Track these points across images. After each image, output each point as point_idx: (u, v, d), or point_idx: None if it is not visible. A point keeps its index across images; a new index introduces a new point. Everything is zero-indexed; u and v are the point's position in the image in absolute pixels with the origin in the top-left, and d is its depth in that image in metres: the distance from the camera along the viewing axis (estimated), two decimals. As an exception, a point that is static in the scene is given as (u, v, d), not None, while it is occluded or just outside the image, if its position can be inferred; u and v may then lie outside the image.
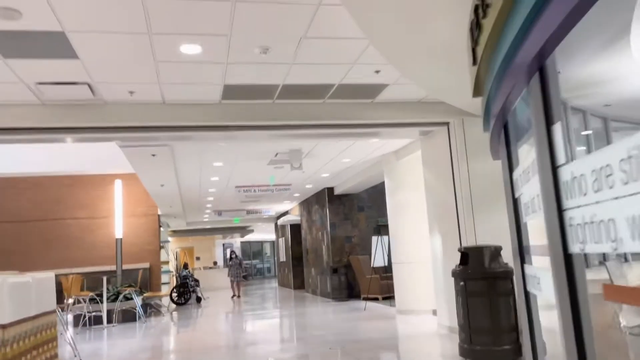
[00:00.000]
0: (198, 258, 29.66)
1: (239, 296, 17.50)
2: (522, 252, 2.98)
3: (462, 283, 5.52)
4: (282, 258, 22.02)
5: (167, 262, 17.95)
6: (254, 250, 35.81)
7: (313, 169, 11.45)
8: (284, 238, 21.59)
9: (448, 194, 7.20)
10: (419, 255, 9.72)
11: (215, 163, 10.05)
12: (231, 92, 6.08)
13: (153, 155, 8.01)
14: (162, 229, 20.62)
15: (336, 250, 14.37)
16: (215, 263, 26.93)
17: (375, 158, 10.70)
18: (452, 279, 7.10)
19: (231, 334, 9.22)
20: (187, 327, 10.82)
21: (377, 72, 5.67)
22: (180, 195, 13.87)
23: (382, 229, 13.13)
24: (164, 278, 17.50)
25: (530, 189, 2.36)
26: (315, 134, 7.11)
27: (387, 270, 13.01)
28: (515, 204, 3.06)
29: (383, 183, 14.73)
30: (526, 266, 2.92)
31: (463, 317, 5.51)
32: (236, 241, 31.89)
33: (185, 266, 22.35)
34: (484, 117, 3.18)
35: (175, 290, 16.80)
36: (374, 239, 11.56)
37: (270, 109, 6.64)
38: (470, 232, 6.72)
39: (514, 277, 5.54)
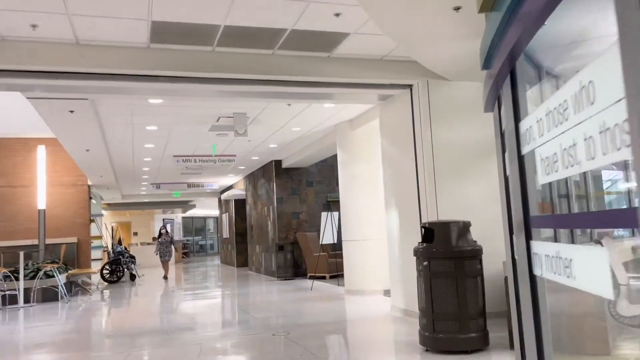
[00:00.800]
0: (136, 233, 28.14)
1: (166, 278, 15.86)
2: (529, 226, 2.26)
3: (425, 263, 4.86)
4: (226, 234, 21.05)
5: (98, 237, 16.60)
6: (196, 227, 34.51)
7: (260, 137, 10.53)
8: (227, 214, 20.59)
9: (408, 165, 6.52)
10: (371, 232, 9.08)
11: (149, 127, 8.95)
12: (162, 33, 5.07)
13: (71, 111, 6.87)
14: (93, 201, 19.14)
15: (282, 227, 13.59)
16: (154, 239, 25.53)
17: (327, 128, 9.91)
18: (410, 258, 6.46)
19: (164, 316, 8.29)
20: (116, 308, 9.78)
21: (338, 15, 4.82)
22: (112, 164, 12.60)
23: (332, 205, 12.44)
24: (96, 254, 16.16)
25: (574, 134, 1.61)
26: (263, 91, 6.21)
27: (336, 247, 12.37)
28: (521, 162, 2.33)
29: (334, 157, 14.01)
30: (535, 243, 2.21)
31: (425, 301, 4.86)
32: (177, 216, 30.51)
33: (120, 241, 21.01)
34: (488, 47, 2.42)
35: (107, 267, 15.55)
36: (324, 215, 10.86)
37: (210, 59, 5.67)
38: (432, 206, 6.07)
39: (482, 257, 4.95)
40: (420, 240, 5.18)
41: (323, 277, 12.50)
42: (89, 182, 14.72)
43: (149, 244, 24.54)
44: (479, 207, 6.15)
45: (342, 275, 12.39)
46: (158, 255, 16.26)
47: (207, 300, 10.19)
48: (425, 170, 6.16)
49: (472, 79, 6.27)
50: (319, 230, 13.61)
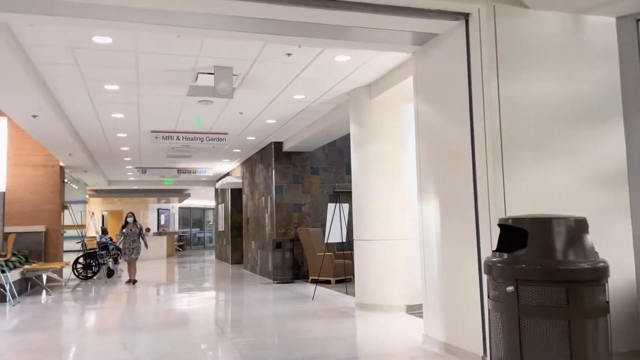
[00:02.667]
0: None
1: (134, 282, 12.08)
2: None
3: (510, 288, 2.80)
4: (221, 227, 19.06)
5: (73, 226, 14.65)
6: (194, 218, 32.58)
7: (254, 108, 8.47)
8: (223, 204, 18.59)
9: (458, 136, 4.45)
10: (393, 230, 7.02)
11: (108, 85, 6.92)
12: None
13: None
14: (74, 186, 17.20)
15: (282, 220, 11.55)
16: (147, 230, 23.62)
17: (339, 97, 7.84)
18: (457, 269, 4.42)
19: (123, 334, 6.28)
20: (67, 315, 7.79)
21: None
22: (80, 139, 10.60)
23: (341, 196, 10.40)
24: (68, 245, 14.21)
25: None
26: (250, 17, 4.17)
27: (344, 247, 10.33)
28: None
29: (344, 139, 11.92)
30: None
31: (508, 352, 2.81)
32: (173, 206, 28.57)
33: (104, 232, 19.05)
34: None
35: (80, 261, 13.59)
36: (330, 207, 8.81)
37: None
38: (497, 196, 3.99)
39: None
40: (495, 248, 3.13)
41: (327, 282, 10.47)
42: (61, 163, 12.76)
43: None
44: (569, 198, 4.09)
45: (350, 280, 10.37)
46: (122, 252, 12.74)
47: (181, 310, 8.18)
48: (488, 144, 4.08)
49: (563, 7, 4.19)
50: (324, 226, 11.58)
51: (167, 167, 15.51)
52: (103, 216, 26.31)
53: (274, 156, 11.67)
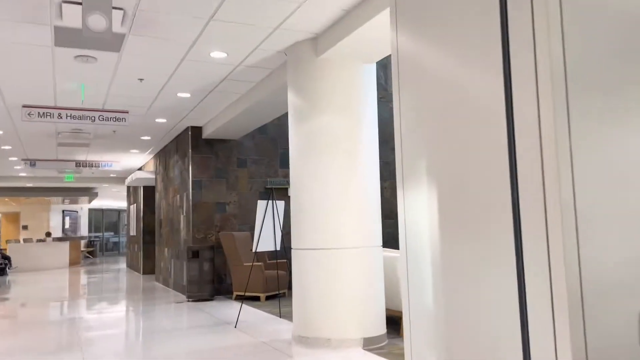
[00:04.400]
0: (25, 227, 22.76)
1: None
2: None
3: None
4: (132, 231, 16.47)
5: None
6: (108, 221, 29.30)
7: (157, 71, 6.33)
8: (135, 205, 16.04)
9: (477, 80, 2.61)
10: (347, 236, 5.14)
11: None
12: None
13: None
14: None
15: (200, 223, 9.40)
16: (48, 234, 20.45)
17: (272, 57, 5.87)
18: (474, 296, 2.46)
19: None
20: None
21: None
22: None
23: (274, 193, 8.44)
24: None
25: None
26: None
27: (277, 254, 8.37)
28: None
29: (279, 125, 9.99)
30: None
31: None
32: (82, 208, 25.31)
33: (-12, 238, 15.94)
34: None
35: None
36: (261, 205, 6.80)
37: None
38: (562, 175, 2.17)
39: None
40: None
41: (256, 299, 8.46)
42: None
43: (41, 240, 19.44)
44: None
45: (284, 295, 8.42)
46: None
47: (34, 350, 5.87)
48: (542, 89, 2.25)
49: None
50: (253, 230, 9.55)
51: (62, 160, 12.84)
52: (-5, 219, 22.72)
53: (191, 144, 9.50)
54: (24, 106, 7.46)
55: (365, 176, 5.23)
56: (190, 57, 5.76)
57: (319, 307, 5.14)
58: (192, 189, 9.39)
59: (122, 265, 19.09)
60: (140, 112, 8.26)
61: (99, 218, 28.43)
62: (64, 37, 4.77)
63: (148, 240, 14.58)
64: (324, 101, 5.24)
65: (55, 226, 23.29)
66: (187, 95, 7.33)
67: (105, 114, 7.91)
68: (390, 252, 5.74)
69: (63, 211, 24.08)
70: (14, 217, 22.63)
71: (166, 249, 11.51)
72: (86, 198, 23.69)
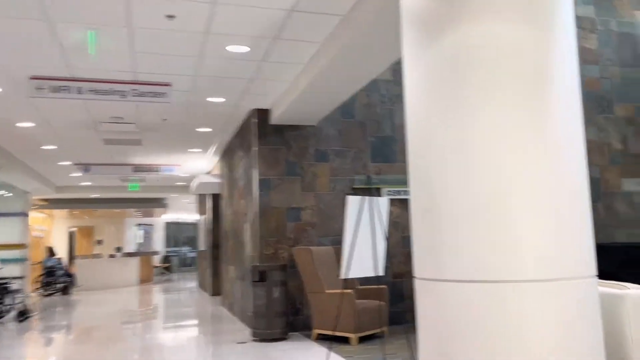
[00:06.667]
0: (100, 242, 21.89)
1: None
2: None
3: None
4: (202, 245, 14.68)
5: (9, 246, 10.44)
6: (185, 235, 28.16)
7: (189, 3, 4.12)
8: (205, 216, 14.23)
9: None
10: (533, 261, 2.53)
11: None
12: None
13: None
14: (4, 192, 13.00)
15: (269, 235, 7.14)
16: (118, 249, 19.30)
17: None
18: None
19: None
20: None
21: None
22: None
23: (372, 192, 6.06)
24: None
25: None
26: None
27: (376, 278, 5.92)
28: None
29: (369, 100, 7.59)
30: None
31: None
32: (156, 221, 24.23)
33: (51, 253, 14.75)
34: None
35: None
36: (353, 204, 4.37)
37: None
38: None
39: None
40: None
41: (345, 340, 6.00)
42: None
43: (111, 256, 18.26)
44: None
45: (382, 335, 5.79)
46: None
47: None
48: None
49: None
50: (338, 244, 7.15)
51: (117, 164, 11.21)
52: (71, 234, 22.03)
53: (257, 133, 7.31)
54: (32, 78, 5.58)
55: (563, 148, 2.63)
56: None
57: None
58: (260, 190, 7.16)
59: (195, 282, 17.40)
60: (184, 84, 6.16)
61: (176, 232, 27.35)
62: None
63: (217, 255, 12.65)
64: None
65: (130, 241, 22.26)
66: (241, 49, 5.09)
67: (140, 88, 5.89)
68: (612, 287, 3.05)
69: (139, 225, 23.07)
70: (87, 232, 21.84)
71: (231, 268, 9.39)
72: (162, 210, 22.53)
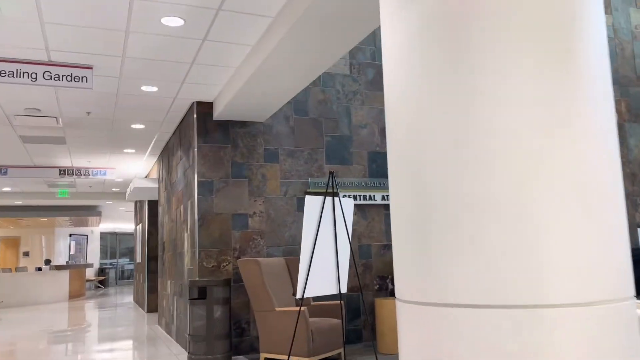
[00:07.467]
0: (26, 254, 20.07)
1: None
2: None
3: None
4: (138, 257, 13.50)
5: None
6: (124, 246, 26.51)
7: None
8: (141, 224, 13.08)
9: None
10: (560, 282, 1.87)
11: None
12: None
13: None
14: None
15: (211, 245, 6.26)
16: (47, 262, 17.66)
17: None
18: None
19: None
20: None
21: None
22: None
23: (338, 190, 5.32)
24: None
25: None
26: None
27: (332, 294, 5.19)
28: None
29: (325, 96, 6.88)
30: None
31: None
32: (93, 231, 22.57)
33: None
34: None
35: None
36: (312, 205, 3.63)
37: None
38: None
39: None
40: None
41: (299, 370, 5.20)
42: None
43: (38, 269, 16.62)
44: None
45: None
46: None
47: None
48: None
49: None
50: (290, 254, 6.38)
51: (40, 166, 9.97)
52: (-7, 244, 20.09)
53: (197, 129, 6.44)
54: None
55: (596, 134, 1.99)
56: None
57: None
58: (198, 194, 6.28)
59: (131, 297, 16.07)
60: (109, 68, 5.24)
61: (113, 243, 25.66)
62: None
63: (153, 269, 11.56)
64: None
65: (61, 252, 20.54)
66: (177, 21, 4.26)
67: (53, 70, 4.92)
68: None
69: (70, 235, 21.36)
70: (13, 243, 19.97)
71: (168, 282, 8.41)
72: (96, 219, 20.95)
